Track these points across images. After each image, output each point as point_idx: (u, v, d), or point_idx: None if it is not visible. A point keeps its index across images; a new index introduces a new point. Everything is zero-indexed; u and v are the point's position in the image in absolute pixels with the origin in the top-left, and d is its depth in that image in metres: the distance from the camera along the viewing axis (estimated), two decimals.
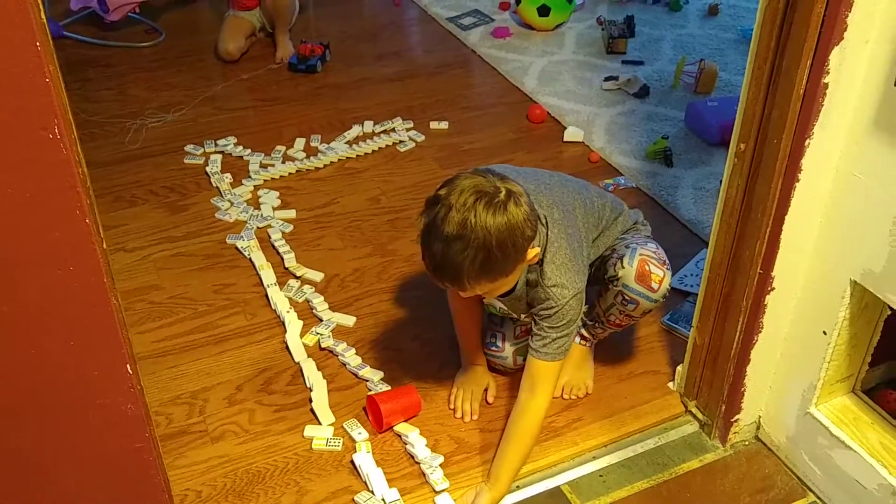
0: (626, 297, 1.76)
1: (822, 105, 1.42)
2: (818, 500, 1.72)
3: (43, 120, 0.91)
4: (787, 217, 1.54)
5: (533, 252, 1.59)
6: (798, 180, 1.50)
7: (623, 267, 1.74)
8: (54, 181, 0.94)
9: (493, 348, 1.93)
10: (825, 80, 1.40)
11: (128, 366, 1.10)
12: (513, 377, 1.94)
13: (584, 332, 1.93)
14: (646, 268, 1.73)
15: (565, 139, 2.84)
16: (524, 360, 1.78)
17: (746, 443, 1.85)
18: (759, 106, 1.50)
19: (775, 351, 1.71)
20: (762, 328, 1.68)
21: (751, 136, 1.53)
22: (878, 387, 1.80)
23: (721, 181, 1.64)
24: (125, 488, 1.22)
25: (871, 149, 1.42)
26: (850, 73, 1.40)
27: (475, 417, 1.87)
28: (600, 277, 1.82)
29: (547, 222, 1.65)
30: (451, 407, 1.90)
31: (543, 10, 3.51)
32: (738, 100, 1.55)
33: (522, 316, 1.84)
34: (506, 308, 1.82)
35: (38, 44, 0.87)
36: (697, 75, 3.12)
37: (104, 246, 1.01)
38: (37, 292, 1.00)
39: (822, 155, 1.47)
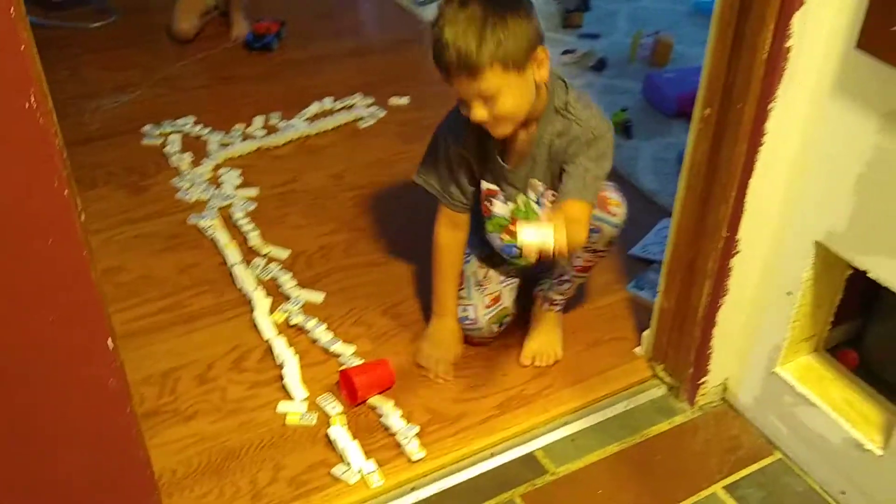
0: (589, 228, 1.72)
1: (785, 69, 1.45)
2: (785, 457, 1.77)
3: (19, 89, 0.89)
4: (751, 181, 1.57)
5: (544, 65, 1.60)
6: (762, 144, 1.52)
7: None
8: (31, 151, 0.93)
9: (467, 322, 1.92)
10: (787, 45, 1.43)
11: (109, 340, 1.09)
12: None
13: (551, 294, 1.91)
14: (602, 194, 1.74)
15: None
16: (500, 326, 1.81)
17: (714, 404, 1.88)
18: (722, 70, 1.52)
19: (741, 313, 1.75)
20: (728, 291, 1.71)
21: (715, 101, 1.55)
22: (839, 346, 1.85)
23: (680, 151, 1.66)
24: (108, 464, 1.21)
25: (834, 111, 1.45)
26: (811, 37, 1.42)
27: (448, 379, 1.89)
28: None
29: (567, 84, 1.69)
30: (420, 364, 1.90)
31: None
32: (694, 71, 1.57)
33: (541, 194, 1.79)
34: (516, 246, 1.77)
35: (11, 10, 0.85)
36: (653, 48, 3.15)
37: (83, 218, 1.00)
38: (16, 265, 0.98)
39: (786, 119, 1.50)
